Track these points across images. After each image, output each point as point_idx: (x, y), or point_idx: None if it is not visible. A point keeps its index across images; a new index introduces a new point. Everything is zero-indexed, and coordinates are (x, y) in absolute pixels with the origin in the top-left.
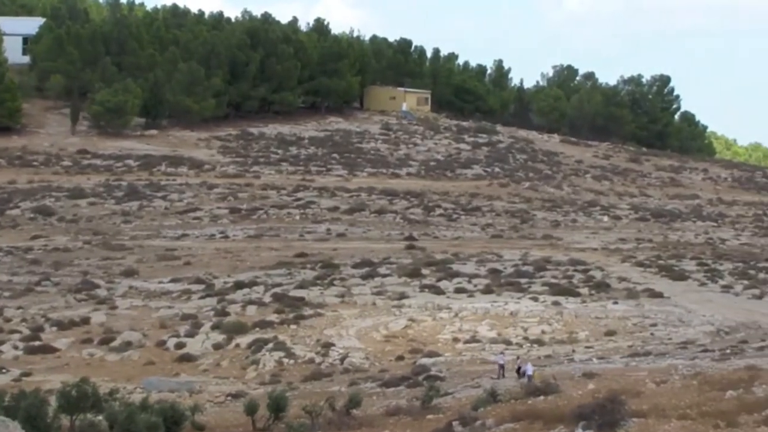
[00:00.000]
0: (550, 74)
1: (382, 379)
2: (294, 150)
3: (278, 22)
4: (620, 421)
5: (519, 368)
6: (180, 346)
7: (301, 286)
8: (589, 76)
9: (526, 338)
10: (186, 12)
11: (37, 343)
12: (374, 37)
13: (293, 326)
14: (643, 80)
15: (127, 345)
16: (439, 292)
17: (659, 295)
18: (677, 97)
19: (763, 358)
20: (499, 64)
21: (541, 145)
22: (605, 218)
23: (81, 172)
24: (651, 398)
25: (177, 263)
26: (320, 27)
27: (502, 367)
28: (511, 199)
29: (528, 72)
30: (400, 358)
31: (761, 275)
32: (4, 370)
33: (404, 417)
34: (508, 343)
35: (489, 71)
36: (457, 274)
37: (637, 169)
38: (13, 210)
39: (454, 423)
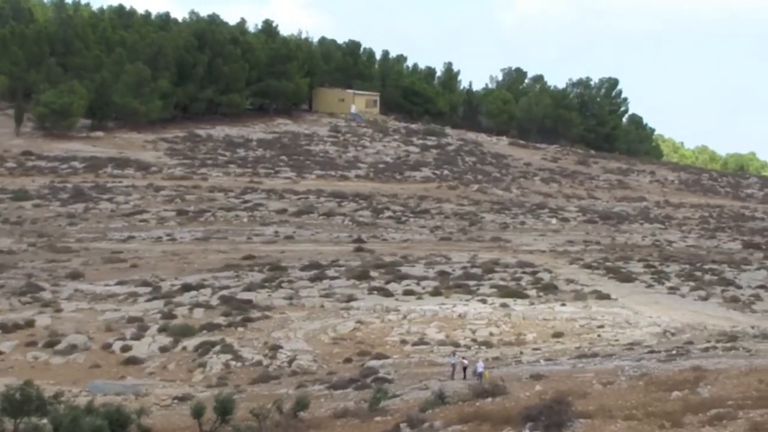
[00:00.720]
0: (499, 77)
1: (329, 381)
2: (242, 152)
3: (226, 23)
4: (567, 422)
5: (465, 368)
6: (126, 348)
7: (249, 288)
8: (538, 78)
9: (474, 340)
10: (132, 13)
11: None
12: (323, 39)
13: (241, 329)
14: (592, 83)
15: (73, 348)
16: (387, 294)
17: (606, 296)
18: (625, 99)
19: (708, 359)
20: (448, 67)
21: (489, 147)
22: (553, 220)
23: (25, 173)
24: (597, 399)
25: (123, 266)
26: (268, 28)
27: (454, 366)
28: (459, 201)
29: (477, 74)
30: (348, 360)
31: (707, 277)
32: None
33: (352, 419)
34: (456, 345)
35: (438, 73)
36: (405, 277)
37: (585, 172)
38: None
39: (401, 425)
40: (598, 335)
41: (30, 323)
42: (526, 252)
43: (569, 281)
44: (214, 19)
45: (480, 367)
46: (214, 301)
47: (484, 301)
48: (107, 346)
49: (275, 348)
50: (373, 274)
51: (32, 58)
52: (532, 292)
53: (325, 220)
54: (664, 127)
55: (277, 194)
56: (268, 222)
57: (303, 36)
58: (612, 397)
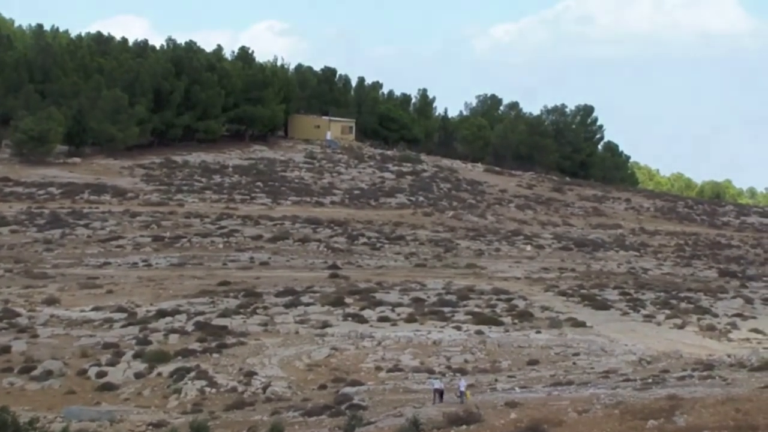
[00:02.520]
0: (474, 104)
1: (304, 408)
2: (218, 178)
3: (203, 50)
4: None
5: (441, 392)
6: (101, 374)
7: (224, 314)
8: (513, 105)
9: (449, 367)
10: (110, 39)
11: None
12: (299, 66)
13: (216, 355)
14: (567, 110)
15: (48, 374)
16: (362, 320)
17: (582, 324)
18: (600, 127)
19: (684, 388)
20: (423, 93)
21: (465, 174)
22: (528, 247)
23: (3, 199)
24: (573, 427)
25: (99, 291)
26: (245, 55)
27: (436, 392)
28: (434, 227)
29: (452, 101)
30: (323, 387)
31: (683, 305)
32: None
33: None
34: (431, 372)
35: (414, 100)
36: (380, 303)
37: (561, 199)
38: None
39: None
40: (574, 363)
41: (6, 349)
42: (501, 279)
43: (544, 308)
44: (191, 46)
45: (462, 385)
46: (189, 327)
47: (458, 328)
48: (83, 372)
49: (250, 374)
50: (347, 300)
51: (11, 84)
52: (507, 320)
53: (300, 246)
54: (640, 155)
55: (253, 220)
56: (244, 248)
57: (279, 63)
58: (587, 426)
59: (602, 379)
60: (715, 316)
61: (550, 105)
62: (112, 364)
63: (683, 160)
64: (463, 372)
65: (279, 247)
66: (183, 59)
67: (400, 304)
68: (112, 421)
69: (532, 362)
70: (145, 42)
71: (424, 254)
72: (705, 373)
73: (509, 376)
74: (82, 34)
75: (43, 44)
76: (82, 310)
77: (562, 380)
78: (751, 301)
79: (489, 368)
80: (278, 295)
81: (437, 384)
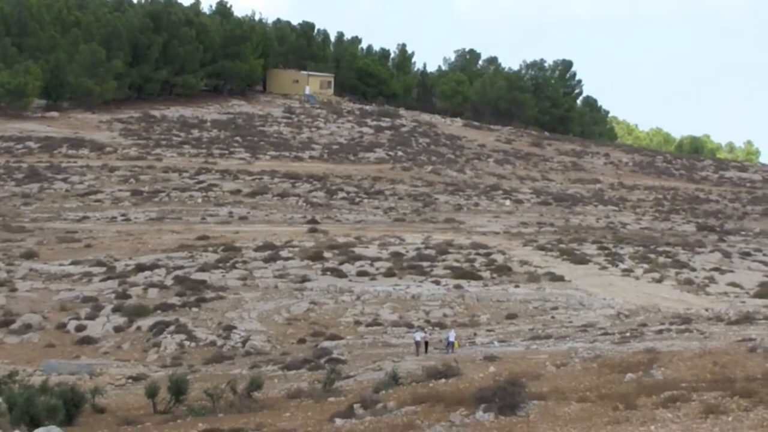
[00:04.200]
0: (453, 59)
1: (283, 362)
2: (196, 133)
3: (180, 4)
4: (520, 404)
5: (426, 343)
6: (80, 328)
7: (203, 269)
8: (492, 60)
9: (427, 321)
10: None
11: None
12: (277, 21)
13: (195, 309)
14: (546, 65)
15: (27, 327)
16: (341, 275)
17: (560, 278)
18: (579, 81)
19: (662, 341)
20: (402, 48)
21: (443, 129)
22: (507, 202)
23: None
24: (551, 381)
25: (78, 246)
26: (223, 10)
27: (418, 344)
28: (413, 182)
29: (431, 56)
30: (302, 341)
31: (661, 259)
32: None
33: (306, 400)
34: (409, 326)
35: (392, 55)
36: (359, 258)
37: (539, 154)
38: None
39: (355, 406)
40: (552, 317)
41: None
42: (480, 233)
43: (523, 263)
44: (168, 1)
45: (452, 336)
46: (169, 282)
47: (437, 283)
48: (62, 326)
49: (229, 328)
50: (326, 255)
51: None
52: (486, 274)
53: (279, 201)
54: (619, 110)
55: (232, 175)
56: (223, 203)
57: (257, 17)
58: (565, 379)
59: (580, 333)
60: (693, 270)
61: (529, 60)
62: (91, 318)
63: (662, 115)
64: (441, 326)
65: (258, 201)
66: (161, 14)
67: (378, 259)
68: (92, 375)
69: (511, 316)
70: None
71: (402, 209)
72: (683, 327)
73: (488, 330)
74: None
75: None
76: (61, 264)
77: (540, 334)
78: (729, 255)
79: (468, 322)
80: (257, 249)
81: (419, 336)
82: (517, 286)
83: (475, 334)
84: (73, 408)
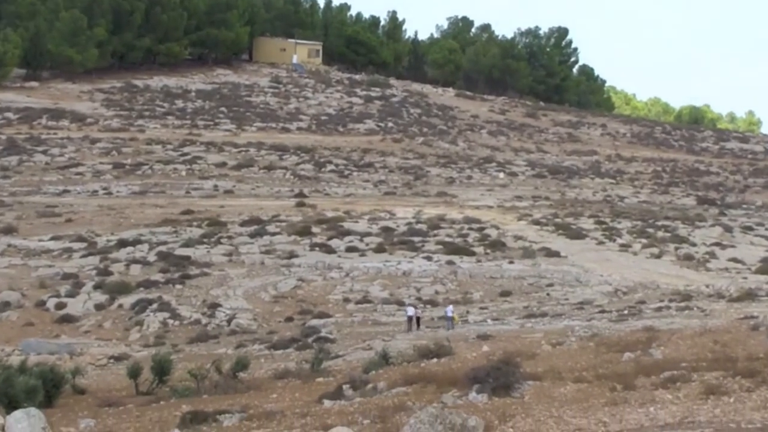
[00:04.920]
0: (445, 26)
1: (270, 341)
2: (180, 103)
3: None
4: (515, 384)
5: (419, 318)
6: (60, 306)
7: (187, 244)
8: (486, 27)
9: (419, 299)
10: None
11: None
12: None
13: (179, 286)
14: (541, 32)
15: (5, 305)
16: (329, 251)
17: (556, 254)
18: (575, 50)
19: (661, 320)
20: (393, 16)
21: (435, 99)
22: (501, 175)
23: None
24: (546, 360)
25: (58, 220)
26: None
27: (410, 319)
28: (404, 154)
29: (423, 24)
30: (290, 319)
31: (660, 234)
32: None
33: (293, 380)
34: (400, 303)
35: (383, 23)
36: (348, 233)
37: (534, 125)
38: None
39: (344, 386)
40: (547, 294)
41: None
42: (473, 207)
43: (517, 238)
44: None
45: (449, 311)
46: (152, 258)
47: (429, 259)
48: (41, 304)
49: (214, 306)
50: (315, 230)
51: None
52: (479, 249)
53: (265, 174)
54: (616, 79)
55: (217, 147)
56: (207, 176)
57: None
58: (561, 359)
59: (577, 311)
60: (693, 245)
61: (523, 27)
62: (71, 295)
63: (661, 85)
64: (433, 303)
65: (244, 174)
66: None
67: (368, 234)
68: (72, 354)
69: (505, 293)
70: None
71: (393, 182)
72: (683, 304)
73: (481, 308)
74: None
75: None
76: (41, 240)
77: (535, 312)
78: (730, 229)
79: (460, 300)
80: (243, 224)
81: (411, 311)
82: (511, 262)
83: (467, 312)
84: (53, 389)
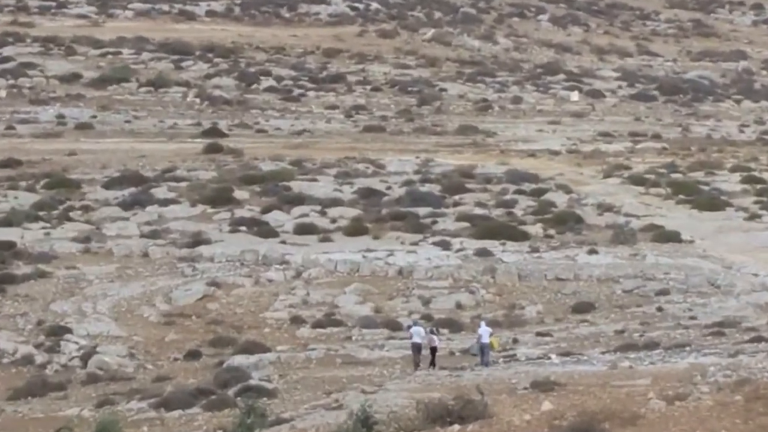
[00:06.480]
0: None
1: (159, 394)
2: None
3: None
4: None
5: (435, 349)
6: None
7: (9, 221)
8: None
9: (427, 317)
10: None
11: None
12: None
13: None
14: None
15: None
16: (266, 232)
17: (673, 236)
18: None
19: None
20: None
21: None
22: (574, 95)
23: None
24: (656, 427)
25: None
26: None
27: (418, 348)
28: (400, 59)
29: None
30: (194, 355)
31: None
32: None
33: None
34: (393, 326)
35: None
36: (299, 200)
37: (634, 4)
38: None
39: None
40: (659, 308)
41: None
42: (523, 153)
43: (603, 208)
44: None
45: (485, 333)
46: None
47: (445, 246)
48: None
49: (57, 332)
50: (238, 194)
51: None
52: (535, 229)
53: (151, 95)
54: None
55: (63, 46)
56: (46, 98)
57: None
58: (684, 425)
59: (712, 338)
60: None
61: None
62: None
63: None
64: (453, 326)
65: (112, 95)
66: None
67: (336, 202)
68: None
69: (582, 307)
70: None
71: (380, 109)
72: None
73: (539, 334)
74: None
75: None
76: None
77: (636, 340)
78: None
79: (502, 319)
80: (109, 184)
81: (419, 334)
82: (593, 252)
83: (515, 341)
84: None
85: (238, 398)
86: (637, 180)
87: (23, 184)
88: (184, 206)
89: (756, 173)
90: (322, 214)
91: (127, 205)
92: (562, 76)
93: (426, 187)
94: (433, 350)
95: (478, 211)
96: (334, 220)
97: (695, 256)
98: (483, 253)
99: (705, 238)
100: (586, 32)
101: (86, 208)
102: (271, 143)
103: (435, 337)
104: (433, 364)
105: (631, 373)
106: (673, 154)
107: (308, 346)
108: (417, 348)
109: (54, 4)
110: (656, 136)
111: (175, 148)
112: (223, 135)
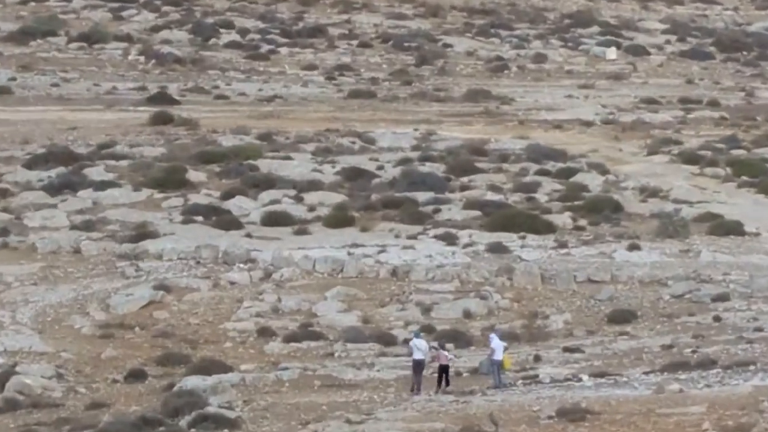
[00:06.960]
0: None
1: (94, 425)
2: None
3: None
4: None
5: (446, 368)
6: None
7: None
8: None
9: (427, 329)
10: None
11: None
12: None
13: None
14: None
15: None
16: (227, 223)
17: (734, 229)
18: None
19: None
20: None
21: None
22: (610, 52)
23: None
24: None
25: None
26: None
27: (420, 367)
28: (395, 7)
29: None
30: (137, 375)
31: None
32: None
33: None
34: (385, 339)
35: None
36: (269, 182)
37: None
38: None
39: None
40: (715, 317)
41: None
42: (548, 125)
43: (647, 192)
44: None
45: (499, 348)
46: None
47: (449, 240)
48: None
49: None
50: (194, 176)
51: None
52: (563, 218)
53: (84, 51)
54: None
55: None
56: None
57: None
58: None
59: None
60: None
61: None
62: None
63: None
64: (459, 340)
65: (35, 53)
66: None
67: (314, 185)
68: None
69: (620, 317)
70: None
71: (369, 68)
72: None
73: (566, 350)
74: None
75: None
76: None
77: (688, 358)
78: None
79: (521, 331)
80: (31, 163)
81: (421, 348)
82: (634, 247)
83: (537, 357)
84: None
85: (192, 430)
86: (690, 158)
87: None
88: (125, 190)
89: None
90: (298, 200)
91: (54, 189)
92: (596, 29)
93: (427, 167)
94: (444, 369)
95: (492, 196)
96: (312, 208)
97: (761, 253)
98: (497, 248)
99: None
100: None
101: (3, 193)
102: (234, 112)
103: (445, 353)
104: (447, 383)
105: (681, 399)
106: (734, 125)
107: (279, 364)
108: (419, 366)
109: None
110: (713, 103)
111: (114, 119)
112: (173, 102)
